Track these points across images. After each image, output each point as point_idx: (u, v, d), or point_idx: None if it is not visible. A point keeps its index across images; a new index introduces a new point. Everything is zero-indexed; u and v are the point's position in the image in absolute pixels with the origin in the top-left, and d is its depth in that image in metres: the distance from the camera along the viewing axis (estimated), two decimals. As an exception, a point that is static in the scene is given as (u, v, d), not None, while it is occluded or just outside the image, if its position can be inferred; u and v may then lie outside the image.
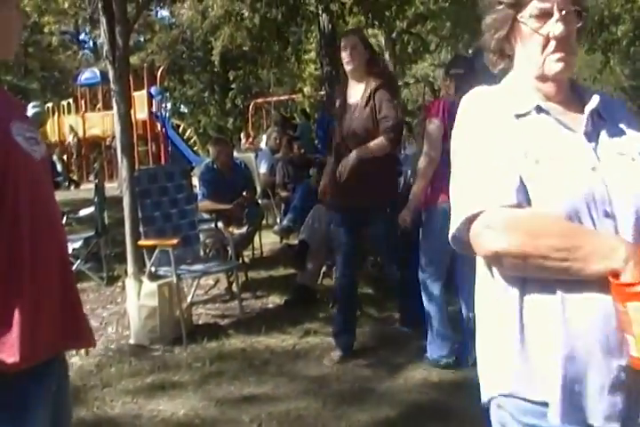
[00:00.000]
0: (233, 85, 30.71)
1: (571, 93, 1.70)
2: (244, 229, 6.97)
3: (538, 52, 1.62)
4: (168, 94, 24.69)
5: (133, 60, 23.15)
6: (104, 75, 16.18)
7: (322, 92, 18.18)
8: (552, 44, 1.60)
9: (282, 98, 25.13)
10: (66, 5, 12.63)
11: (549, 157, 1.53)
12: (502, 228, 1.48)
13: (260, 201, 8.27)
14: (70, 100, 22.17)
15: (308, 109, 19.55)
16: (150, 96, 17.83)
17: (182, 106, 35.22)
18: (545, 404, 1.49)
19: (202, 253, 6.39)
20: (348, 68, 4.66)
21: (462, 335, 4.56)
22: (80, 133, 20.83)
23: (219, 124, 32.89)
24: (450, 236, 1.64)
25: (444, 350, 4.59)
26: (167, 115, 19.60)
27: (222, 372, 4.62)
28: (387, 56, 20.23)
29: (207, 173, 7.07)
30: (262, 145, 14.54)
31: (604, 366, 1.45)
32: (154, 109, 18.12)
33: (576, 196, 1.49)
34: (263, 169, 9.55)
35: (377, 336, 5.21)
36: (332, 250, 5.36)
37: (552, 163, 1.52)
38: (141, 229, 5.69)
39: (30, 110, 11.07)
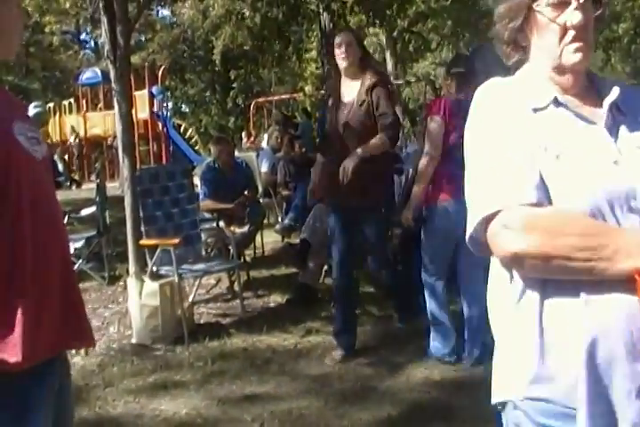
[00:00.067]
0: (234, 85, 30.73)
1: (587, 85, 1.62)
2: (245, 229, 6.97)
3: (555, 43, 1.54)
4: (169, 94, 24.74)
5: (134, 59, 23.14)
6: (105, 74, 16.24)
7: (323, 91, 18.16)
8: (570, 33, 1.52)
9: (283, 97, 25.11)
10: (67, 5, 12.66)
11: (570, 152, 1.46)
12: (521, 227, 1.41)
13: (261, 200, 8.28)
14: (71, 100, 22.21)
15: (309, 108, 19.51)
16: (151, 95, 17.83)
17: (183, 105, 35.27)
18: (567, 407, 1.42)
19: (203, 252, 6.39)
20: (342, 64, 4.63)
21: (464, 335, 4.56)
22: (81, 133, 20.85)
23: (220, 124, 32.92)
24: (467, 237, 1.56)
25: (446, 348, 4.62)
26: (168, 114, 19.63)
27: (224, 371, 4.62)
28: (388, 55, 20.27)
29: (208, 173, 7.07)
30: (263, 144, 14.55)
31: (630, 369, 1.38)
32: (155, 109, 18.12)
33: (599, 191, 1.42)
34: (264, 168, 9.55)
35: (378, 335, 5.21)
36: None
37: (573, 158, 1.45)
38: (143, 229, 5.68)
39: (32, 110, 11.11)
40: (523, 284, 1.49)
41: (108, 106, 18.43)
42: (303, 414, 3.93)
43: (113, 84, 6.00)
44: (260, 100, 23.35)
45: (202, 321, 5.76)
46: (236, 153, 9.05)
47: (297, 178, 8.43)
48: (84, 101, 21.70)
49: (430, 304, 4.68)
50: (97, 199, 7.58)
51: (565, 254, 1.37)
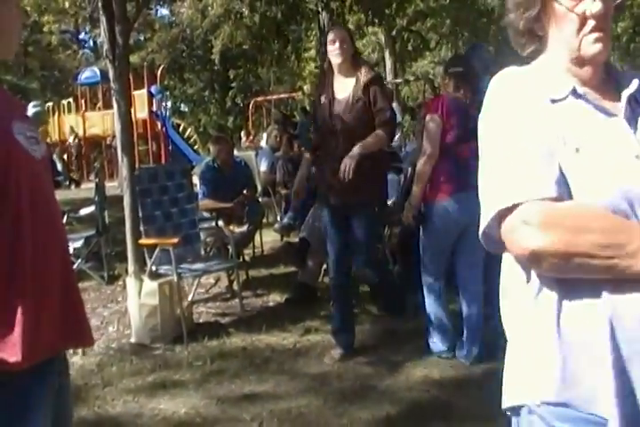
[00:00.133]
0: (233, 84, 30.77)
1: (605, 77, 1.55)
2: (244, 228, 6.98)
3: (573, 33, 1.47)
4: (168, 93, 24.69)
5: (133, 58, 23.15)
6: (104, 74, 16.21)
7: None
8: (589, 23, 1.45)
9: (282, 96, 25.13)
10: (66, 5, 12.65)
11: (590, 146, 1.39)
12: (540, 223, 1.32)
13: (260, 199, 8.28)
14: (70, 100, 22.21)
15: (308, 108, 19.53)
16: (150, 95, 17.84)
17: (182, 105, 35.27)
18: (587, 412, 1.36)
19: (202, 251, 6.39)
20: (337, 60, 4.58)
21: (463, 334, 4.57)
22: (80, 133, 20.85)
23: (219, 123, 32.93)
24: (480, 233, 1.47)
25: (444, 345, 4.66)
26: (167, 114, 19.61)
27: (223, 370, 4.63)
28: (387, 54, 20.27)
29: (207, 172, 7.08)
30: (262, 143, 14.54)
31: None
32: (154, 108, 18.13)
33: (621, 186, 1.36)
34: (263, 167, 9.55)
35: (377, 334, 5.21)
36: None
37: (593, 151, 1.38)
38: (142, 228, 5.69)
39: (30, 110, 11.07)
40: (539, 282, 1.42)
41: (107, 105, 18.43)
42: (302, 412, 3.94)
43: (112, 84, 6.02)
44: (259, 99, 23.36)
45: (201, 320, 5.76)
46: (235, 152, 9.06)
47: (296, 177, 8.42)
48: (83, 101, 21.72)
49: (428, 302, 4.69)
50: (96, 199, 7.58)
51: (587, 252, 1.30)
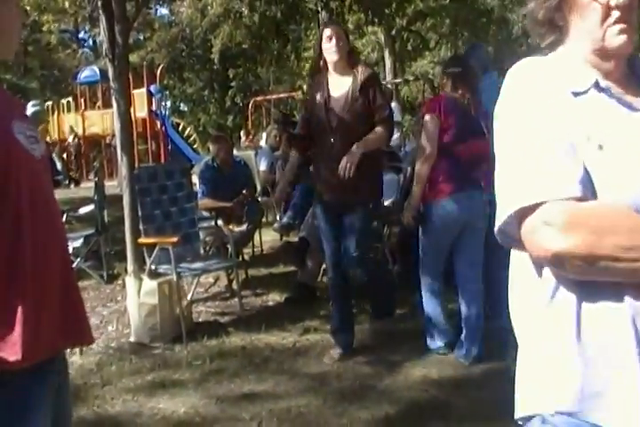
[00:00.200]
0: (233, 83, 30.77)
1: (628, 71, 1.48)
2: (243, 227, 6.98)
3: (596, 24, 1.40)
4: (168, 92, 24.69)
5: (133, 58, 23.15)
6: (104, 73, 16.19)
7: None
8: (614, 14, 1.38)
9: (281, 96, 25.10)
10: (66, 4, 12.62)
11: (614, 142, 1.32)
12: (563, 224, 1.25)
13: (259, 199, 8.28)
14: (70, 99, 22.18)
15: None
16: (150, 94, 17.82)
17: (182, 104, 35.27)
18: (604, 424, 1.29)
19: (202, 250, 6.40)
20: (333, 58, 4.51)
21: (462, 334, 4.57)
22: (80, 132, 20.84)
23: (218, 123, 32.93)
24: (496, 229, 1.40)
25: (442, 342, 4.70)
26: (167, 113, 19.61)
27: (222, 370, 4.63)
28: (386, 53, 20.27)
29: (207, 171, 7.08)
30: (262, 143, 14.53)
31: None
32: (153, 108, 18.11)
33: None
34: (263, 167, 9.55)
35: (377, 334, 5.22)
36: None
37: (617, 147, 1.32)
38: (141, 227, 5.69)
39: (30, 109, 11.09)
40: (555, 282, 1.35)
41: (107, 104, 18.41)
42: (302, 412, 3.94)
43: (111, 83, 6.02)
44: (259, 98, 23.34)
45: (200, 320, 5.77)
46: (235, 152, 9.06)
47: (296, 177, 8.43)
48: (83, 100, 21.69)
49: (426, 301, 4.72)
50: (95, 198, 7.58)
51: (611, 255, 1.23)
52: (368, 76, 4.50)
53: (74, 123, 20.99)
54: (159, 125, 18.47)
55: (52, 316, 1.80)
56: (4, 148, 1.70)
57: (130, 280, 5.43)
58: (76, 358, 4.78)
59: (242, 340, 5.18)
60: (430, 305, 4.72)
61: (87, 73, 22.26)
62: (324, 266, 6.20)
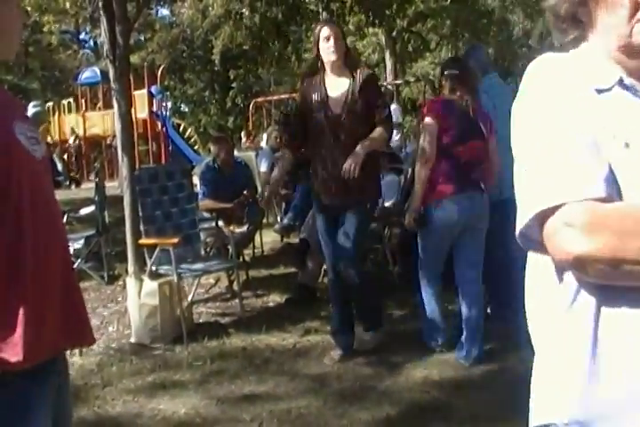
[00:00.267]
0: (233, 84, 30.78)
1: None
2: (244, 228, 6.97)
3: (624, 20, 1.32)
4: (168, 93, 24.70)
5: (134, 59, 23.13)
6: (104, 74, 16.23)
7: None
8: None
9: (282, 97, 25.10)
10: (67, 5, 12.63)
11: None
12: (585, 226, 1.18)
13: (260, 200, 8.27)
14: (71, 100, 22.19)
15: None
16: (151, 95, 17.82)
17: (183, 105, 35.29)
18: None
19: (202, 251, 6.39)
20: (331, 58, 4.46)
21: (463, 335, 4.57)
22: (81, 133, 20.84)
23: (219, 124, 32.95)
24: (517, 233, 1.33)
25: (440, 340, 4.75)
26: (168, 114, 19.59)
27: (223, 371, 4.63)
28: (387, 54, 20.30)
29: (208, 172, 7.08)
30: (263, 144, 14.53)
31: None
32: (154, 108, 18.10)
33: None
34: (264, 168, 9.54)
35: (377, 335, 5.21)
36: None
37: None
38: (142, 228, 5.69)
39: (31, 110, 11.11)
40: (576, 287, 1.29)
41: (108, 105, 18.41)
42: (302, 413, 3.94)
43: (112, 84, 6.02)
44: (260, 99, 23.31)
45: (201, 321, 5.77)
46: (236, 153, 9.06)
47: (296, 178, 8.42)
48: (84, 101, 21.69)
49: (425, 300, 4.76)
50: (96, 199, 7.58)
51: (637, 258, 1.17)
52: (367, 76, 4.49)
53: (75, 124, 20.99)
54: (160, 126, 18.47)
55: (53, 316, 1.80)
56: (5, 148, 1.70)
57: (130, 281, 5.42)
58: (76, 359, 4.78)
59: (242, 341, 5.18)
60: (429, 304, 4.74)
61: (88, 74, 22.27)
62: (324, 267, 6.20)
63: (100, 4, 5.70)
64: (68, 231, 5.44)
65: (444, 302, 5.30)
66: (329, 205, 4.63)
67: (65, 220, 6.47)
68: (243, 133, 22.06)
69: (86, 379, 4.54)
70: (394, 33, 19.81)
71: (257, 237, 7.72)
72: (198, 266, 5.76)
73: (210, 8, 16.40)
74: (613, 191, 1.22)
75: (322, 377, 4.45)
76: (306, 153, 4.82)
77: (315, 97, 4.55)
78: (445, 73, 4.67)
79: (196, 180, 7.18)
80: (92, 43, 36.47)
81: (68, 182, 18.47)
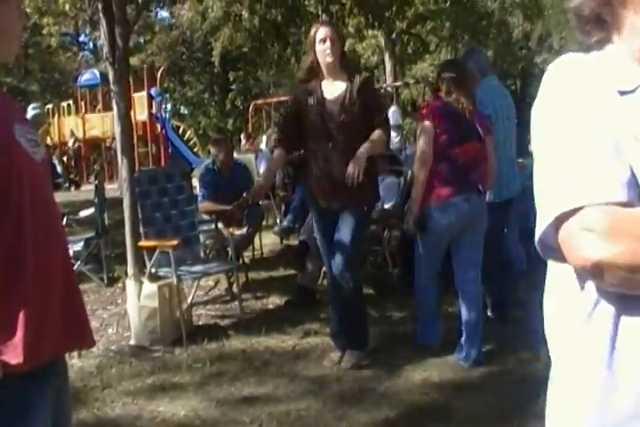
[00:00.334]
0: (233, 86, 30.81)
1: None
2: (244, 230, 6.97)
3: None
4: (168, 95, 24.74)
5: (133, 61, 23.16)
6: (104, 76, 16.23)
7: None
8: None
9: (282, 99, 25.11)
10: (66, 7, 12.64)
11: None
12: (605, 231, 1.12)
13: (259, 202, 8.27)
14: (70, 102, 22.23)
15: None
16: (150, 97, 17.84)
17: (182, 107, 35.36)
18: None
19: (202, 253, 6.39)
20: (328, 60, 4.39)
21: (462, 337, 4.57)
22: (80, 135, 20.86)
23: (219, 126, 32.97)
24: (536, 240, 1.26)
25: (434, 337, 4.83)
26: (167, 116, 19.65)
27: (222, 373, 4.62)
28: (387, 57, 20.31)
29: (207, 175, 7.09)
30: (262, 146, 14.56)
31: None
32: (154, 111, 18.13)
33: None
34: (263, 170, 9.55)
35: (376, 337, 5.20)
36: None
37: None
38: (141, 230, 5.69)
39: (30, 112, 11.10)
40: (597, 296, 1.22)
41: (107, 107, 18.44)
42: (301, 415, 3.93)
43: (112, 86, 6.03)
44: (259, 101, 23.35)
45: (200, 323, 5.76)
46: (235, 155, 9.06)
47: (295, 180, 8.43)
48: (83, 103, 21.73)
49: (420, 299, 4.83)
50: (95, 201, 7.58)
51: None
52: (364, 79, 4.48)
53: (74, 126, 21.02)
54: (159, 128, 18.50)
55: (53, 318, 1.80)
56: (5, 148, 1.70)
57: (130, 283, 5.42)
58: (75, 361, 4.78)
59: (242, 343, 5.18)
60: (425, 304, 4.80)
61: (87, 76, 22.33)
62: (323, 269, 6.20)
63: (100, 6, 5.71)
64: (68, 233, 5.44)
65: (444, 304, 5.32)
66: (326, 208, 4.61)
67: (64, 222, 6.47)
68: (242, 136, 22.04)
69: (86, 381, 4.54)
70: (393, 35, 19.83)
71: (256, 240, 7.72)
72: (198, 268, 5.76)
73: (209, 10, 16.40)
74: (635, 195, 1.16)
75: (321, 379, 4.45)
76: (302, 155, 4.81)
77: (311, 100, 4.50)
78: (442, 75, 4.69)
79: (195, 182, 7.18)
80: (91, 45, 36.59)
81: (67, 184, 18.52)
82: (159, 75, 19.97)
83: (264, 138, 15.42)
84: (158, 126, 18.47)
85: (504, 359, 4.61)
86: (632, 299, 1.17)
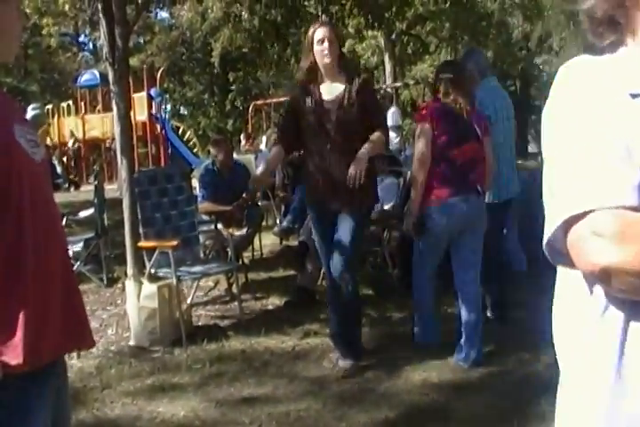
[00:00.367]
0: (233, 87, 30.81)
1: None
2: (243, 231, 6.97)
3: None
4: (168, 96, 24.73)
5: (133, 61, 23.17)
6: (104, 76, 16.25)
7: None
8: None
9: (281, 99, 25.12)
10: (66, 7, 12.65)
11: None
12: (614, 235, 1.09)
13: (259, 202, 8.28)
14: (70, 102, 22.23)
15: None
16: (150, 98, 17.85)
17: (182, 107, 35.34)
18: None
19: (202, 254, 6.39)
20: (326, 61, 4.35)
21: (462, 338, 4.57)
22: (80, 135, 20.87)
23: (218, 126, 32.97)
24: (544, 244, 1.24)
25: (432, 337, 4.85)
26: (167, 116, 19.64)
27: (222, 373, 4.62)
28: (386, 57, 20.32)
29: (207, 175, 7.09)
30: (262, 147, 14.56)
31: None
32: (153, 111, 18.14)
33: None
34: (261, 167, 9.55)
35: (376, 337, 5.21)
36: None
37: None
38: (141, 231, 5.69)
39: (30, 112, 11.09)
40: (605, 301, 1.21)
41: (107, 108, 18.45)
42: (301, 416, 3.93)
43: (111, 87, 6.02)
44: (259, 102, 23.35)
45: (200, 323, 5.76)
46: (235, 155, 9.06)
47: (295, 180, 8.43)
48: (83, 103, 21.73)
49: (418, 299, 4.85)
50: (95, 201, 7.58)
51: None
52: (363, 80, 4.47)
53: (74, 126, 21.02)
54: (159, 129, 18.51)
55: (54, 319, 1.80)
56: (5, 148, 1.70)
57: (129, 284, 5.42)
58: (75, 362, 4.78)
59: (241, 343, 5.17)
60: (423, 304, 4.82)
61: (87, 76, 22.34)
62: (323, 270, 6.20)
63: (100, 6, 5.71)
64: (68, 234, 5.44)
65: (444, 305, 5.32)
66: (324, 209, 4.58)
67: (64, 222, 6.47)
68: (242, 136, 22.06)
69: (85, 382, 4.54)
70: (393, 36, 19.85)
71: (256, 240, 7.72)
72: (197, 269, 5.75)
73: (209, 10, 16.40)
74: None
75: (321, 380, 4.45)
76: (302, 156, 4.79)
77: (309, 100, 4.47)
78: (440, 76, 4.70)
79: (195, 182, 7.18)
80: (91, 45, 36.60)
81: (67, 185, 18.52)
82: (159, 75, 19.97)
83: (264, 138, 15.44)
84: (158, 127, 18.47)
85: (503, 360, 4.61)
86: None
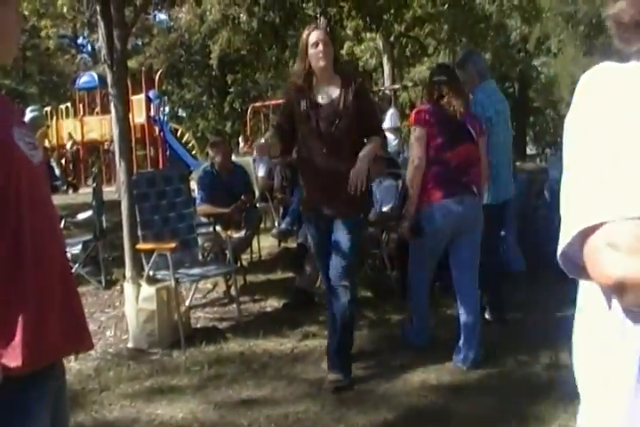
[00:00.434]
0: (231, 89, 30.80)
1: None
2: (242, 233, 6.97)
3: None
4: (166, 98, 24.70)
5: (131, 63, 23.17)
6: (102, 78, 16.22)
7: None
8: None
9: (280, 101, 25.12)
10: (64, 9, 12.63)
11: None
12: (630, 247, 1.06)
13: (258, 205, 8.28)
14: (68, 104, 22.19)
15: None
16: (148, 100, 17.84)
17: (180, 110, 35.29)
18: None
19: (200, 256, 6.39)
20: (321, 64, 4.29)
21: (460, 339, 4.58)
22: (78, 137, 20.85)
23: (217, 128, 32.96)
24: (558, 254, 1.20)
25: (420, 338, 4.89)
26: (165, 119, 19.61)
27: (221, 375, 4.62)
28: (385, 59, 20.32)
29: (205, 177, 7.08)
30: (260, 149, 14.52)
31: None
32: (152, 113, 18.12)
33: None
34: (261, 173, 9.57)
35: (375, 339, 5.21)
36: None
37: None
38: (139, 233, 5.69)
39: (28, 114, 11.08)
40: (621, 312, 1.17)
41: (105, 110, 18.42)
42: (300, 418, 3.93)
43: (110, 89, 6.02)
44: (257, 104, 23.34)
45: (198, 325, 5.76)
46: (233, 157, 9.06)
47: (294, 182, 8.43)
48: (81, 106, 21.70)
49: (413, 300, 4.90)
50: (93, 203, 7.57)
51: None
52: (359, 83, 4.45)
53: (72, 128, 21.00)
54: (157, 131, 18.49)
55: (52, 321, 1.80)
56: (5, 151, 1.70)
57: (128, 286, 5.42)
58: (73, 364, 4.77)
59: (240, 346, 5.17)
60: (415, 301, 4.85)
61: (86, 78, 22.30)
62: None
63: (98, 8, 5.72)
64: (66, 236, 5.44)
65: (442, 307, 5.32)
66: (321, 214, 4.49)
67: (62, 225, 6.47)
68: (240, 138, 22.05)
69: (84, 384, 4.54)
70: (391, 38, 19.84)
71: (254, 242, 7.71)
72: (196, 271, 5.75)
73: (207, 13, 16.40)
74: None
75: (319, 382, 4.45)
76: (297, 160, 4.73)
77: (303, 104, 4.40)
78: (433, 79, 4.71)
79: (193, 185, 7.18)
80: (89, 47, 36.58)
81: (65, 187, 18.49)
82: (157, 77, 19.96)
83: (262, 140, 15.41)
84: (156, 129, 18.46)
85: (502, 361, 4.61)
86: None
